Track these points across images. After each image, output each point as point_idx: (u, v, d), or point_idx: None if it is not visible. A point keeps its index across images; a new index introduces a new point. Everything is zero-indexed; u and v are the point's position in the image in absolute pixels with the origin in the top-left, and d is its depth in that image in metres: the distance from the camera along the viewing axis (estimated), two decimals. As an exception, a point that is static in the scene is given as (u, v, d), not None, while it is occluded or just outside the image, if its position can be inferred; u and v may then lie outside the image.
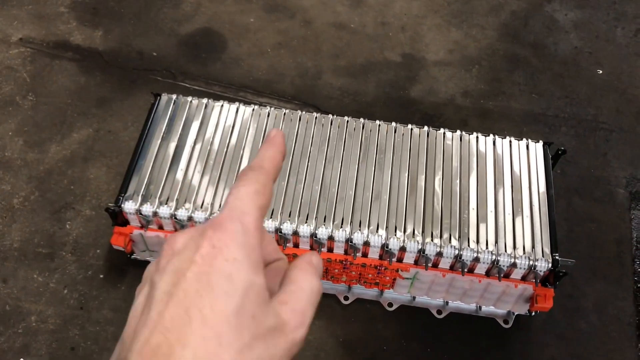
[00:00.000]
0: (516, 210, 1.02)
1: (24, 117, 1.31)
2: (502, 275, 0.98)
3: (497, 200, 1.03)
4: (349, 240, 0.98)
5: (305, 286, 0.32)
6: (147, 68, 1.42)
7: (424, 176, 1.05)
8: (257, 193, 0.33)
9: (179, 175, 1.03)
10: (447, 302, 1.09)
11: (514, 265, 0.97)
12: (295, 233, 0.98)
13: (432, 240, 0.98)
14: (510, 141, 1.10)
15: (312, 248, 1.01)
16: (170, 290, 0.29)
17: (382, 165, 1.06)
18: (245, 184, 0.34)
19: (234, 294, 0.29)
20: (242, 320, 0.28)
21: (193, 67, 1.43)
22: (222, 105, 1.12)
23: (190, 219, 0.99)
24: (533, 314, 1.07)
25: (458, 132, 1.11)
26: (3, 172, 1.23)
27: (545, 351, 1.08)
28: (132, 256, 1.11)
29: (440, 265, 1.00)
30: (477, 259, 0.97)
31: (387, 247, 0.98)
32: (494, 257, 0.97)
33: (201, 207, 1.00)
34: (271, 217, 0.99)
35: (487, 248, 0.98)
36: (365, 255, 1.00)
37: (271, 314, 0.30)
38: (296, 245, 1.01)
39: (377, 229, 0.99)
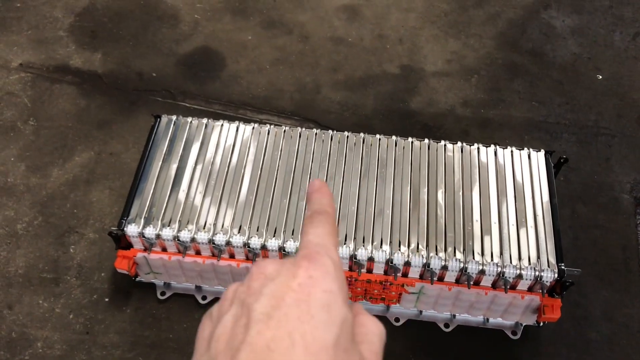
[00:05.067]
0: (520, 221, 1.02)
1: (25, 142, 1.32)
2: (508, 287, 0.97)
3: (501, 211, 1.03)
4: (353, 257, 0.98)
5: (376, 330, 0.34)
6: (146, 89, 1.42)
7: (426, 189, 1.05)
8: (332, 234, 0.36)
9: (181, 196, 1.03)
10: (454, 315, 1.09)
11: (519, 276, 0.96)
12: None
13: (436, 254, 0.98)
14: (512, 151, 1.10)
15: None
16: (270, 312, 0.30)
17: (383, 179, 1.06)
18: (320, 225, 0.36)
19: (332, 325, 0.30)
20: (337, 353, 0.29)
21: (192, 86, 1.43)
22: (222, 125, 1.12)
23: (193, 240, 0.99)
24: (541, 324, 1.06)
25: (459, 143, 1.10)
26: (6, 198, 1.23)
27: (555, 361, 1.07)
28: (137, 279, 1.11)
29: (445, 279, 0.99)
30: (482, 272, 0.96)
31: (392, 263, 0.97)
32: (499, 269, 0.96)
33: (204, 228, 1.00)
34: (274, 236, 0.99)
35: (492, 260, 0.97)
36: (370, 271, 1.00)
37: (356, 351, 0.31)
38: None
39: (381, 244, 0.99)
